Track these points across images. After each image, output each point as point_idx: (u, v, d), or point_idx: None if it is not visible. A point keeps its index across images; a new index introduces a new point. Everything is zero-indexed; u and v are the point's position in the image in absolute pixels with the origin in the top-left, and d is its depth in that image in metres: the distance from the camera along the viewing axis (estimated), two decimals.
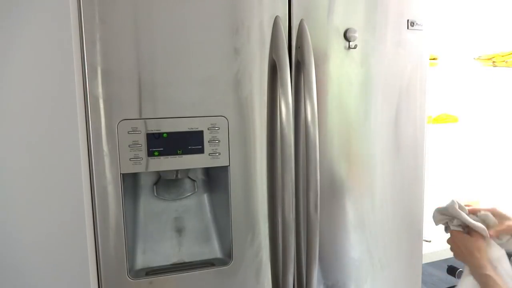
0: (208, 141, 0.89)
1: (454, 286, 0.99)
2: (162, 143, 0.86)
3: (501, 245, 0.92)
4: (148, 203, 0.99)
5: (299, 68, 0.94)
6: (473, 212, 0.96)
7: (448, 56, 1.82)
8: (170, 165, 0.87)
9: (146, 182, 0.99)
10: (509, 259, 0.92)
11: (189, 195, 1.02)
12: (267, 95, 0.92)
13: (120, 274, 0.87)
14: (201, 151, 0.88)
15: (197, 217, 1.02)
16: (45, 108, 0.77)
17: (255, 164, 0.93)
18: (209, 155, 0.89)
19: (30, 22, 0.74)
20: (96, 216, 0.84)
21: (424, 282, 1.17)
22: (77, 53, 0.78)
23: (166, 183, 1.00)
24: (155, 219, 0.99)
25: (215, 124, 0.89)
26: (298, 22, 0.93)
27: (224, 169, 0.92)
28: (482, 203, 0.97)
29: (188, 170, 0.96)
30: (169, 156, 0.87)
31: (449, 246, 0.97)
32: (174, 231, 0.99)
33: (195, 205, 1.02)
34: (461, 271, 1.22)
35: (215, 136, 0.89)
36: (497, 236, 0.92)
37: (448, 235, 0.97)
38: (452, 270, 1.40)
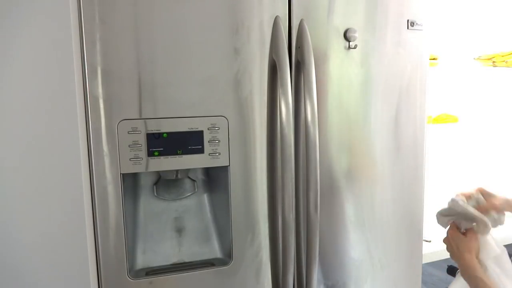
0: (208, 141, 0.89)
1: None
2: (162, 143, 0.86)
3: (492, 221, 0.92)
4: (148, 203, 0.99)
5: (299, 68, 0.94)
6: (466, 196, 0.96)
7: (448, 56, 1.82)
8: (170, 165, 0.87)
9: (146, 182, 0.99)
10: (511, 258, 0.92)
11: (189, 195, 1.02)
12: (267, 95, 0.92)
13: (120, 274, 0.87)
14: (201, 151, 0.88)
15: (197, 217, 1.02)
16: (45, 108, 0.77)
17: (255, 164, 0.93)
18: (209, 155, 0.89)
19: (30, 22, 0.74)
20: (96, 216, 0.84)
21: (424, 282, 1.17)
22: (77, 53, 0.78)
23: (166, 183, 1.00)
24: (155, 219, 0.99)
25: (215, 124, 0.89)
26: (298, 22, 0.93)
27: (224, 169, 0.92)
28: (469, 186, 0.98)
29: (188, 170, 0.96)
30: (169, 156, 0.87)
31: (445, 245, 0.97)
32: (174, 231, 0.99)
33: (195, 205, 1.02)
34: None
35: (215, 136, 0.89)
36: (484, 214, 0.92)
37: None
38: (452, 270, 1.40)
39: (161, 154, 0.86)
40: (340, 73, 0.98)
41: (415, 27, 1.04)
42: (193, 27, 0.85)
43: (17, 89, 0.76)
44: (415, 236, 1.13)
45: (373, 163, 1.05)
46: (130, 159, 0.84)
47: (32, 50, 0.75)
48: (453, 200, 0.94)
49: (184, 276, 0.92)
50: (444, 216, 0.96)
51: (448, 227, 0.97)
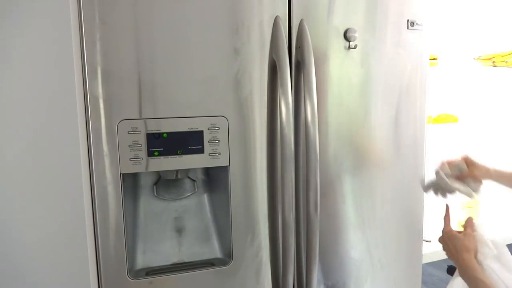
0: (208, 141, 0.89)
1: None
2: (162, 143, 0.86)
3: (468, 190, 0.98)
4: (148, 203, 0.99)
5: (299, 68, 0.94)
6: (450, 164, 1.02)
7: (448, 56, 1.82)
8: (170, 165, 0.87)
9: (146, 182, 0.99)
10: None
11: (189, 195, 1.02)
12: (267, 95, 0.92)
13: (120, 274, 0.87)
14: (201, 151, 0.88)
15: (197, 217, 1.02)
16: (45, 108, 0.77)
17: (255, 164, 0.93)
18: (209, 155, 0.89)
19: (30, 22, 0.74)
20: (96, 216, 0.84)
21: (424, 282, 1.17)
22: (77, 53, 0.78)
23: (166, 183, 1.00)
24: (155, 219, 0.99)
25: (215, 124, 0.89)
26: (298, 22, 0.93)
27: (224, 169, 0.92)
28: (456, 154, 1.05)
29: (188, 170, 0.96)
30: (169, 156, 0.87)
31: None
32: (174, 231, 0.99)
33: (195, 205, 1.02)
34: None
35: (215, 136, 0.89)
36: (463, 180, 0.99)
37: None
38: (452, 270, 1.40)
39: (161, 154, 0.86)
40: (340, 73, 0.98)
41: (415, 27, 1.04)
42: (193, 27, 0.85)
43: (17, 89, 0.76)
44: (415, 236, 1.13)
45: (373, 163, 1.05)
46: (130, 159, 0.84)
47: (32, 50, 0.75)
48: (436, 174, 1.01)
49: (184, 276, 0.92)
50: (428, 184, 1.03)
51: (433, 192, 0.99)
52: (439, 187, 1.03)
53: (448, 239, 0.94)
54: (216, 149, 0.89)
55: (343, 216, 1.03)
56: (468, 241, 0.90)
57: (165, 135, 0.86)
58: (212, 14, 0.86)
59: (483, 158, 1.03)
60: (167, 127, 0.86)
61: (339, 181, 1.02)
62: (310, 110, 0.89)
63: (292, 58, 0.94)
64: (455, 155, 1.04)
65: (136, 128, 0.84)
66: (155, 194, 1.00)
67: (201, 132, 0.88)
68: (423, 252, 1.16)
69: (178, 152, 0.87)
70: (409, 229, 1.12)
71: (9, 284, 0.79)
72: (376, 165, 1.05)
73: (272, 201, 0.96)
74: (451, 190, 1.00)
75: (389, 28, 1.02)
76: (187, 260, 0.96)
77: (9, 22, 0.74)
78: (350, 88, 1.00)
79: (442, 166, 1.03)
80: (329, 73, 0.97)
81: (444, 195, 1.02)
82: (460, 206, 1.70)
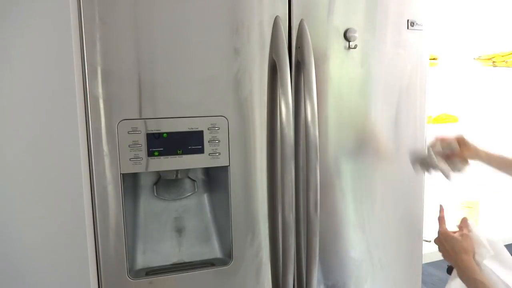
0: (208, 141, 0.89)
1: None
2: (162, 143, 0.86)
3: (452, 169, 1.01)
4: (148, 203, 0.99)
5: (299, 68, 0.94)
6: (443, 142, 1.04)
7: (448, 56, 1.82)
8: (170, 165, 0.87)
9: (146, 182, 0.99)
10: None
11: (189, 195, 1.02)
12: (267, 95, 0.92)
13: (120, 274, 0.87)
14: (201, 151, 0.88)
15: (197, 217, 1.02)
16: (45, 108, 0.77)
17: (255, 164, 0.93)
18: (209, 155, 0.89)
19: (30, 22, 0.74)
20: (96, 216, 0.84)
21: (424, 282, 1.17)
22: (77, 53, 0.78)
23: (166, 183, 1.00)
24: (155, 219, 0.99)
25: (215, 124, 0.89)
26: (298, 22, 0.93)
27: (224, 169, 0.92)
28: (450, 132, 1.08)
29: (188, 170, 0.96)
30: (169, 156, 0.87)
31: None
32: (174, 231, 0.99)
33: (195, 205, 1.02)
34: None
35: (215, 136, 0.89)
36: (451, 160, 1.02)
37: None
38: (452, 270, 1.40)
39: (161, 154, 0.86)
40: (340, 73, 0.98)
41: (415, 27, 1.04)
42: (193, 27, 0.85)
43: (17, 89, 0.76)
44: (415, 236, 1.13)
45: (373, 163, 1.05)
46: (130, 159, 0.84)
47: (32, 50, 0.75)
48: (428, 150, 1.04)
49: (184, 276, 0.92)
50: (415, 158, 1.04)
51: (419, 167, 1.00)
52: (426, 163, 1.04)
53: (444, 240, 0.93)
54: (216, 149, 0.89)
55: (343, 216, 1.03)
56: (466, 242, 0.90)
57: (165, 135, 0.86)
58: (212, 14, 0.86)
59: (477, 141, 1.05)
60: (167, 127, 0.86)
61: (339, 181, 1.02)
62: (310, 110, 0.89)
63: (292, 58, 0.94)
64: (450, 133, 1.07)
65: (136, 128, 0.84)
66: (155, 194, 1.00)
67: (201, 132, 0.88)
68: (423, 252, 1.16)
69: (178, 152, 0.87)
70: (409, 229, 1.12)
71: (9, 284, 0.79)
72: (376, 165, 1.05)
73: (272, 201, 0.96)
74: (435, 168, 1.02)
75: (389, 28, 1.02)
76: (187, 260, 0.96)
77: (9, 22, 0.74)
78: (350, 88, 1.00)
79: (434, 143, 1.05)
80: (329, 73, 0.97)
81: (428, 171, 1.04)
82: (460, 206, 1.70)
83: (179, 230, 1.00)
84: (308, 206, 0.92)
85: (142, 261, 0.95)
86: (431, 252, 1.40)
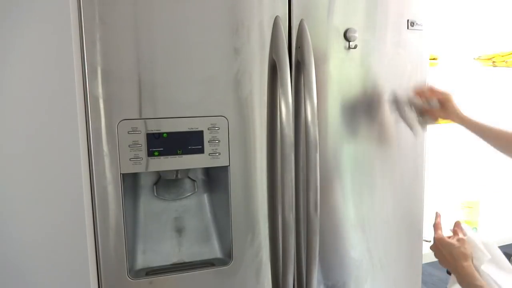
0: (208, 141, 0.89)
1: None
2: (162, 143, 0.86)
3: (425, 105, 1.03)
4: (148, 203, 0.99)
5: (299, 68, 0.94)
6: (431, 92, 1.05)
7: (448, 56, 1.82)
8: (170, 165, 0.87)
9: (146, 182, 0.99)
10: (509, 259, 0.91)
11: (189, 195, 1.02)
12: (267, 95, 0.92)
13: (120, 274, 0.87)
14: (201, 151, 0.88)
15: (197, 217, 1.02)
16: (45, 108, 0.77)
17: (255, 164, 0.93)
18: (209, 155, 0.89)
19: (30, 22, 0.74)
20: (96, 216, 0.84)
21: (424, 282, 1.17)
22: (77, 53, 0.78)
23: (166, 183, 1.00)
24: (155, 219, 0.99)
25: (215, 124, 0.89)
26: (298, 22, 0.93)
27: (224, 169, 0.92)
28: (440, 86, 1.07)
29: (188, 170, 0.96)
30: (169, 156, 0.87)
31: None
32: (174, 231, 0.99)
33: (195, 205, 1.02)
34: None
35: (215, 136, 0.89)
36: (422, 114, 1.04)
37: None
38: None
39: (161, 154, 0.86)
40: (340, 73, 0.98)
41: (415, 27, 1.04)
42: (193, 27, 0.85)
43: (17, 89, 0.76)
44: (415, 236, 1.13)
45: (373, 163, 1.05)
46: (130, 159, 0.84)
47: (32, 50, 0.75)
48: (409, 100, 1.05)
49: (184, 276, 0.92)
50: (394, 99, 1.04)
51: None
52: (399, 108, 1.04)
53: (441, 246, 0.92)
54: (216, 149, 0.89)
55: (343, 216, 1.03)
56: (464, 247, 0.88)
57: (165, 135, 0.86)
58: (212, 14, 0.86)
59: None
60: (167, 127, 0.86)
61: (339, 181, 1.02)
62: (310, 110, 0.89)
63: (292, 58, 0.94)
64: (438, 87, 1.07)
65: (136, 128, 0.84)
66: (155, 194, 1.00)
67: (201, 132, 0.88)
68: (423, 252, 1.16)
69: (178, 152, 0.87)
70: (409, 229, 1.12)
71: (9, 283, 0.79)
72: (376, 165, 1.05)
73: (272, 201, 0.96)
74: (402, 117, 1.04)
75: (389, 28, 1.02)
76: (187, 260, 0.96)
77: (9, 22, 0.74)
78: (350, 88, 1.00)
79: (420, 91, 1.05)
80: (329, 73, 0.97)
81: (398, 113, 1.05)
82: (460, 206, 1.70)
83: (179, 230, 1.00)
84: (308, 206, 0.92)
85: (142, 261, 0.95)
86: (431, 252, 1.40)
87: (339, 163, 1.01)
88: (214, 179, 1.02)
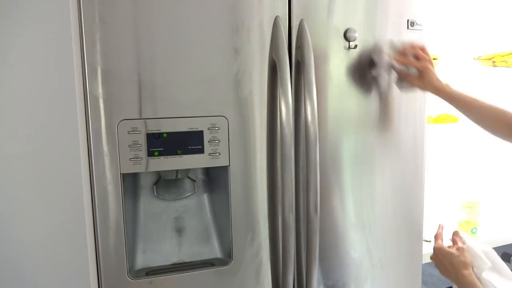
0: (208, 141, 0.89)
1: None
2: (162, 143, 0.86)
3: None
4: (148, 203, 0.99)
5: (299, 68, 0.94)
6: (402, 55, 1.01)
7: (448, 56, 1.82)
8: (170, 165, 0.87)
9: (146, 182, 0.99)
10: (510, 259, 0.91)
11: (189, 195, 1.02)
12: (267, 95, 0.92)
13: (120, 274, 0.87)
14: (201, 151, 0.88)
15: (197, 217, 1.02)
16: (45, 108, 0.77)
17: (255, 164, 0.93)
18: (209, 155, 0.89)
19: (30, 22, 0.74)
20: (96, 216, 0.84)
21: (424, 282, 1.17)
22: (77, 53, 0.78)
23: (166, 183, 1.00)
24: (155, 219, 0.99)
25: (215, 124, 0.89)
26: (298, 22, 0.93)
27: (224, 169, 0.92)
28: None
29: (188, 170, 0.96)
30: (169, 156, 0.87)
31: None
32: (174, 231, 0.99)
33: (195, 205, 1.02)
34: None
35: (215, 136, 0.89)
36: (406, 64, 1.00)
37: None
38: None
39: (161, 154, 0.86)
40: (340, 73, 0.98)
41: (415, 27, 1.04)
42: (193, 27, 0.85)
43: (17, 89, 0.76)
44: (415, 236, 1.13)
45: (373, 163, 1.05)
46: (130, 159, 0.84)
47: (32, 50, 0.75)
48: (390, 61, 1.01)
49: (184, 276, 0.92)
50: (376, 49, 1.00)
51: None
52: (380, 59, 1.00)
53: (441, 256, 0.92)
54: (216, 149, 0.89)
55: (343, 216, 1.03)
56: (464, 256, 0.88)
57: (165, 135, 0.86)
58: (212, 14, 0.86)
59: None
60: (167, 127, 0.86)
61: (339, 181, 1.02)
62: (310, 110, 0.89)
63: (292, 58, 0.94)
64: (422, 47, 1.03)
65: (136, 128, 0.84)
66: (155, 194, 1.00)
67: (201, 132, 0.88)
68: (423, 252, 1.16)
69: (178, 152, 0.87)
70: (409, 229, 1.12)
71: (9, 283, 0.79)
72: (376, 165, 1.05)
73: (272, 201, 0.96)
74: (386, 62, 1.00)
75: (389, 28, 1.02)
76: (187, 260, 0.96)
77: (9, 22, 0.74)
78: (350, 88, 1.00)
79: (400, 51, 1.01)
80: (329, 73, 0.97)
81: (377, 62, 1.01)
82: (460, 206, 1.70)
83: (179, 230, 1.00)
84: (308, 206, 0.92)
85: (142, 261, 0.95)
86: (431, 252, 1.40)
87: (339, 163, 1.01)
88: (214, 179, 1.02)
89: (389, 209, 1.08)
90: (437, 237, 0.98)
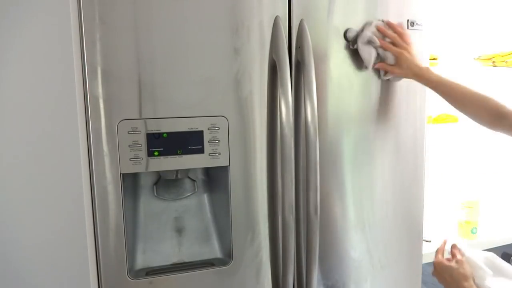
0: (208, 141, 0.89)
1: None
2: (162, 143, 0.86)
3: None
4: (148, 203, 0.99)
5: (299, 68, 0.94)
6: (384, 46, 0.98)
7: (448, 56, 1.82)
8: (170, 165, 0.87)
9: (146, 182, 0.99)
10: (510, 259, 0.91)
11: (189, 195, 1.02)
12: (267, 95, 0.92)
13: (120, 274, 0.87)
14: (201, 151, 0.88)
15: (197, 217, 1.02)
16: (45, 108, 0.77)
17: (255, 164, 0.93)
18: (209, 155, 0.89)
19: (30, 22, 0.74)
20: (96, 216, 0.84)
21: (424, 282, 1.17)
22: (77, 53, 0.78)
23: (166, 183, 1.00)
24: (155, 219, 0.99)
25: (215, 124, 0.89)
26: (298, 22, 0.93)
27: (224, 169, 0.92)
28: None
29: (188, 170, 0.96)
30: (169, 156, 0.87)
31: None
32: (174, 231, 0.99)
33: (195, 205, 1.02)
34: None
35: (215, 136, 0.89)
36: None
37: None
38: None
39: (161, 154, 0.86)
40: (340, 73, 0.98)
41: (415, 27, 1.04)
42: (193, 27, 0.85)
43: (17, 89, 0.76)
44: (415, 236, 1.13)
45: (373, 163, 1.05)
46: (130, 159, 0.84)
47: (32, 50, 0.75)
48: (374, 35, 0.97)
49: (184, 276, 0.92)
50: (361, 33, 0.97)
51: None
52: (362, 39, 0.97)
53: (441, 269, 0.93)
54: (216, 149, 0.89)
55: (343, 216, 1.03)
56: (463, 268, 0.89)
57: (165, 135, 0.86)
58: (212, 14, 0.86)
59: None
60: (167, 127, 0.86)
61: (339, 181, 1.02)
62: (310, 110, 0.89)
63: (292, 58, 0.94)
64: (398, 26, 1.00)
65: (136, 128, 0.84)
66: (155, 194, 1.00)
67: (201, 132, 0.88)
68: (423, 252, 1.16)
69: (178, 152, 0.87)
70: (409, 229, 1.12)
71: (9, 284, 0.79)
72: (376, 165, 1.05)
73: (272, 201, 0.96)
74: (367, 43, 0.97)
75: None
76: (187, 260, 0.96)
77: (9, 22, 0.74)
78: (350, 88, 1.00)
79: (379, 29, 0.98)
80: (329, 73, 0.97)
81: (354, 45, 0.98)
82: (460, 206, 1.70)
83: (179, 230, 1.00)
84: (308, 206, 0.92)
85: (142, 261, 0.95)
86: (431, 252, 1.40)
87: (339, 163, 1.01)
88: (214, 179, 1.02)
89: (389, 209, 1.08)
90: (438, 251, 0.98)
